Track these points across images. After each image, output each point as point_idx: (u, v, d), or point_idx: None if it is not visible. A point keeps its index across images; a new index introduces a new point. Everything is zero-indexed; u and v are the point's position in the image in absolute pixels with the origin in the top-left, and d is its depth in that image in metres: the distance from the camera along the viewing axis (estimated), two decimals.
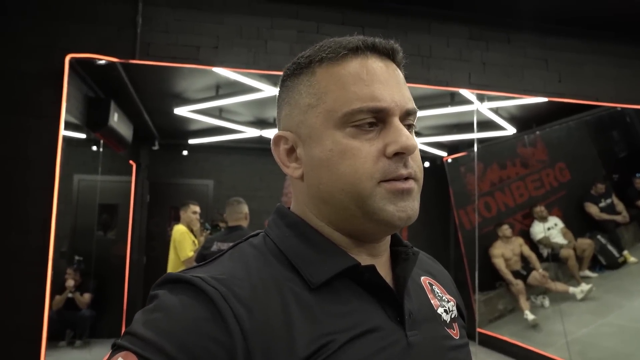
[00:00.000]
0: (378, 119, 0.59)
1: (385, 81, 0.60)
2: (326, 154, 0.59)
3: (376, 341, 0.56)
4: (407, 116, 0.62)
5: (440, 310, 0.67)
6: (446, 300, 0.70)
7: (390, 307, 0.60)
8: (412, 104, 0.62)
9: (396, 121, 0.59)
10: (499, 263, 4.32)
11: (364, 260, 0.62)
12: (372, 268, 0.59)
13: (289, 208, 0.68)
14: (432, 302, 0.68)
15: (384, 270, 0.65)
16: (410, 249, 0.68)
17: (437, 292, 0.70)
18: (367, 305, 0.59)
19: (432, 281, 0.72)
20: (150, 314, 0.53)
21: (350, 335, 0.54)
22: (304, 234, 0.63)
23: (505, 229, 4.38)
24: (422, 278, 0.71)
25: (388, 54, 0.63)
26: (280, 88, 0.68)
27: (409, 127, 0.63)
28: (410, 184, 0.60)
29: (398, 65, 0.65)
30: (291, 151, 0.65)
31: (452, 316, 0.69)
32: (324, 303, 0.56)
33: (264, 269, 0.58)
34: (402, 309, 0.60)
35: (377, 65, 0.61)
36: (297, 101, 0.63)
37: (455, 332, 0.67)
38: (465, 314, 0.77)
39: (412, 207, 0.60)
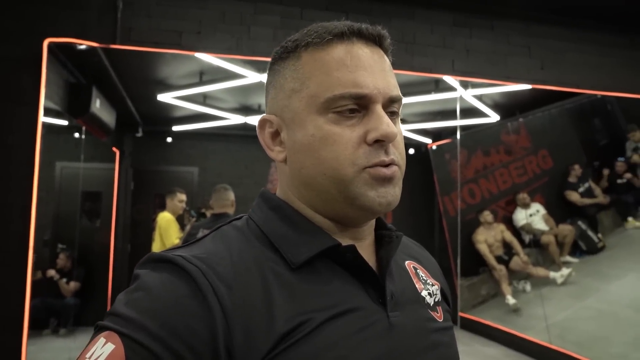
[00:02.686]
0: (360, 105, 0.60)
1: (369, 67, 0.60)
2: (308, 138, 0.60)
3: (356, 321, 0.56)
4: (390, 103, 0.62)
5: (424, 293, 0.68)
6: (430, 284, 0.71)
7: (372, 288, 0.60)
8: (396, 91, 0.62)
9: (378, 108, 0.60)
10: (483, 248, 4.38)
11: (346, 242, 0.62)
12: (352, 248, 0.60)
13: (274, 193, 0.69)
14: (416, 285, 0.68)
15: (368, 252, 0.65)
16: (394, 232, 0.68)
17: (421, 276, 0.71)
18: (348, 285, 0.59)
19: (417, 265, 0.73)
20: (132, 293, 0.53)
21: (330, 313, 0.55)
22: (287, 216, 0.64)
23: (487, 215, 4.44)
24: (407, 262, 0.71)
25: (375, 40, 0.63)
26: (268, 72, 0.68)
27: (393, 114, 0.63)
28: (393, 170, 0.60)
29: (385, 52, 0.65)
30: (276, 135, 0.65)
31: (436, 300, 0.69)
32: (305, 282, 0.57)
33: (246, 249, 0.59)
34: (384, 290, 0.61)
35: (362, 52, 0.61)
36: (282, 85, 0.64)
37: (439, 315, 0.67)
38: (450, 299, 0.78)
39: (392, 193, 0.60)
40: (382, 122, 0.58)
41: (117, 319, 0.51)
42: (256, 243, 0.61)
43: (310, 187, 0.62)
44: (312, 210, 0.64)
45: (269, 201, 0.67)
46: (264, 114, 0.67)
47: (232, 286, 0.53)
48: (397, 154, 0.61)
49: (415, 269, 0.72)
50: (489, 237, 4.40)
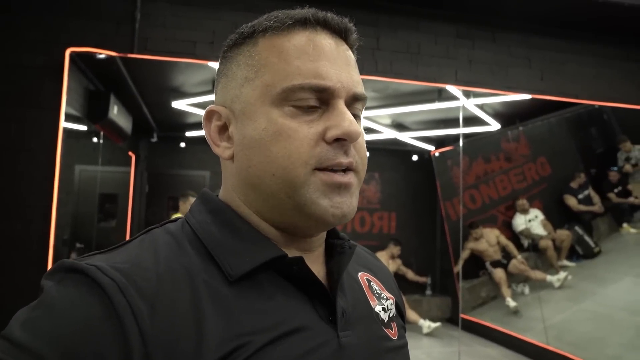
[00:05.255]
0: (321, 100, 0.53)
1: (333, 59, 0.54)
2: (259, 133, 0.53)
3: (302, 343, 0.50)
4: (354, 101, 0.56)
5: (378, 309, 0.61)
6: (385, 298, 0.64)
7: (321, 305, 0.54)
8: (361, 89, 0.56)
9: (341, 104, 0.53)
10: (465, 254, 4.47)
11: (293, 253, 0.55)
12: (300, 260, 0.53)
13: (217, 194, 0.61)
14: (369, 300, 0.62)
15: (317, 264, 0.59)
16: (347, 242, 0.62)
17: (375, 290, 0.64)
18: (294, 302, 0.52)
19: (371, 277, 0.66)
20: (31, 311, 0.45)
21: (271, 336, 0.48)
22: (228, 220, 0.56)
23: (477, 231, 4.51)
24: (360, 274, 0.65)
25: (340, 33, 0.57)
26: (220, 60, 0.61)
27: (355, 117, 0.56)
28: (350, 177, 0.54)
29: (350, 47, 0.59)
30: (224, 129, 0.59)
31: (391, 315, 0.63)
32: (244, 299, 0.50)
33: (176, 258, 0.51)
34: (334, 307, 0.54)
35: (326, 42, 0.55)
36: (234, 73, 0.57)
37: (393, 333, 0.61)
38: (405, 314, 0.71)
39: (348, 203, 0.54)
40: (345, 119, 0.52)
41: (9, 346, 0.42)
42: (189, 250, 0.52)
43: (257, 189, 0.54)
44: (258, 216, 0.56)
45: (208, 203, 0.59)
46: (212, 105, 0.60)
47: (155, 304, 0.45)
48: (358, 157, 0.55)
49: (369, 281, 0.65)
50: (476, 245, 4.49)
